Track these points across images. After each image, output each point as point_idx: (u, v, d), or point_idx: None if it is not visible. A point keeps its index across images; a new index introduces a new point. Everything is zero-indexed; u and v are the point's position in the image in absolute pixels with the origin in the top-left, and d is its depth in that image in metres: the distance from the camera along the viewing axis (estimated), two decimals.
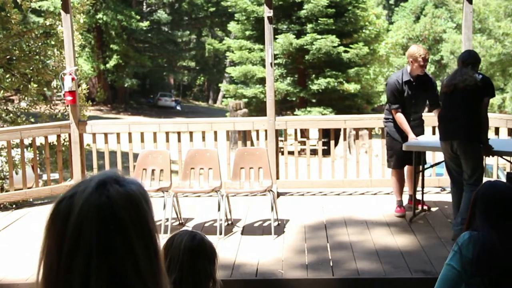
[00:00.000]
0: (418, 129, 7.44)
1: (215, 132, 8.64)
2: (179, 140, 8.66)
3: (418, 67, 7.20)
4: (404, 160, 7.38)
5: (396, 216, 7.39)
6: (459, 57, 6.70)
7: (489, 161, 8.74)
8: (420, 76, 7.28)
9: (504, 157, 7.40)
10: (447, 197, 8.20)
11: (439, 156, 7.97)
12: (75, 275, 1.30)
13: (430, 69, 36.53)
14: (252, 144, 8.94)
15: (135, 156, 7.88)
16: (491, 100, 21.19)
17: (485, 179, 8.07)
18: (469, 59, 6.46)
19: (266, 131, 8.49)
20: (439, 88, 7.17)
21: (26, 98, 11.72)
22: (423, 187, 7.46)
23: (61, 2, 8.42)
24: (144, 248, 1.37)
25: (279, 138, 8.99)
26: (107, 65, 40.01)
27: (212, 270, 2.76)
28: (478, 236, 3.03)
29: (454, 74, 6.43)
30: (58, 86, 10.61)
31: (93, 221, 1.32)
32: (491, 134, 8.31)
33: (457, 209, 6.49)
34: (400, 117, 7.24)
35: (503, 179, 7.64)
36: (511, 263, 2.99)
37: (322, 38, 24.27)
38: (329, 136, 8.82)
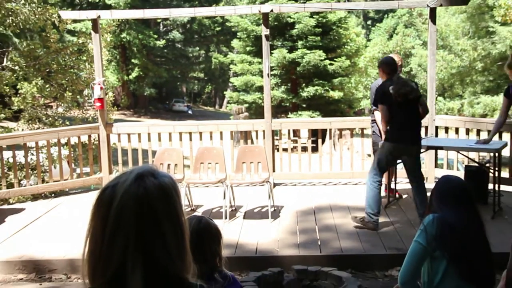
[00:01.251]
0: None
1: (221, 133, 8.63)
2: (190, 139, 8.65)
3: None
4: None
5: None
6: (382, 63, 6.45)
7: (451, 155, 8.75)
8: None
9: (462, 152, 7.40)
10: None
11: None
12: (115, 251, 1.33)
13: None
14: (252, 142, 8.94)
15: (154, 153, 7.88)
16: (452, 105, 21.12)
17: (444, 172, 8.11)
18: (393, 65, 6.38)
19: (264, 131, 8.49)
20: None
21: (62, 104, 11.78)
22: (395, 178, 7.46)
23: (92, 24, 8.42)
24: (173, 231, 1.39)
25: (275, 137, 8.98)
26: (130, 76, 39.99)
27: (217, 249, 2.74)
28: (439, 216, 3.10)
29: (397, 83, 6.18)
30: (89, 94, 10.62)
31: (132, 208, 1.35)
32: (451, 134, 8.32)
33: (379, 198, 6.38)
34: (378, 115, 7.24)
35: (462, 171, 7.64)
36: (466, 238, 3.04)
37: (311, 53, 24.22)
38: (317, 135, 8.82)
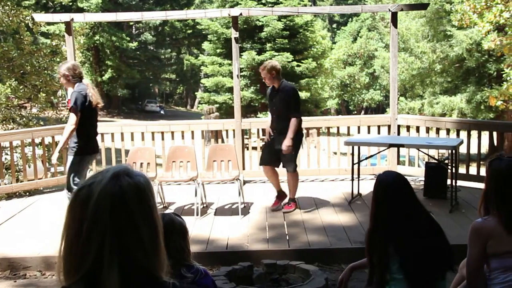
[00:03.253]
0: (282, 136, 6.65)
1: (192, 132, 8.60)
2: (162, 139, 8.60)
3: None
4: (265, 159, 6.94)
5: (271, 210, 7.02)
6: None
7: (412, 153, 8.86)
8: (279, 87, 6.71)
9: (422, 149, 7.50)
10: None
11: (373, 149, 8.05)
12: (91, 249, 1.32)
13: (365, 80, 36.85)
14: (222, 141, 8.91)
15: (127, 152, 7.81)
16: (413, 105, 21.30)
17: (406, 169, 8.20)
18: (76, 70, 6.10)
19: (234, 130, 8.48)
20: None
21: (36, 105, 11.60)
22: (359, 175, 7.52)
23: (65, 27, 8.31)
24: (148, 228, 1.38)
25: (245, 136, 8.98)
26: (103, 78, 39.52)
27: (182, 244, 2.69)
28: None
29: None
30: (63, 95, 10.47)
31: (108, 207, 1.34)
32: (413, 132, 8.43)
33: None
34: (267, 118, 7.22)
35: (423, 167, 7.74)
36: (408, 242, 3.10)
37: (278, 55, 24.31)
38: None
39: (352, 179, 7.35)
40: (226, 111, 25.64)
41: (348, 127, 9.20)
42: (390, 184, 3.21)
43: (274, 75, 6.66)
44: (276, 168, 6.98)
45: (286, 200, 7.05)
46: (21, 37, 11.26)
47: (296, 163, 6.90)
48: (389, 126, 8.42)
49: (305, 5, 27.53)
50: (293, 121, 6.57)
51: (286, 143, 6.56)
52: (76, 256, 1.34)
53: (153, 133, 8.62)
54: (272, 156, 6.84)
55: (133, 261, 1.35)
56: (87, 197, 1.35)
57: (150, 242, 1.38)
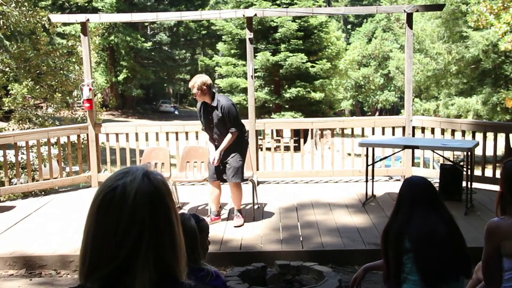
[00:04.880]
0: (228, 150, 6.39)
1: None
2: (177, 139, 8.62)
3: None
4: (213, 174, 6.48)
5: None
6: None
7: (427, 154, 8.81)
8: (213, 103, 6.35)
9: (437, 151, 7.45)
10: (394, 184, 8.27)
11: (388, 151, 8.01)
12: (125, 248, 1.30)
13: (379, 81, 36.69)
14: None
15: (141, 152, 7.85)
16: (427, 106, 21.25)
17: (420, 171, 8.15)
18: None
19: (248, 131, 8.48)
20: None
21: (52, 105, 11.71)
22: (373, 176, 7.49)
23: (81, 27, 8.36)
24: (178, 226, 1.39)
25: (259, 137, 8.98)
26: (118, 78, 39.73)
27: (193, 247, 2.69)
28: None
29: None
30: (78, 95, 10.55)
31: (147, 206, 1.33)
32: (427, 134, 8.39)
33: None
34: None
35: (438, 169, 7.69)
36: (430, 245, 3.09)
37: (293, 55, 24.31)
38: (299, 135, 8.83)
39: (366, 181, 7.32)
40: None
41: (363, 129, 9.16)
42: (417, 183, 3.25)
43: (205, 91, 6.27)
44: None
45: (235, 212, 6.63)
46: (38, 37, 11.36)
47: (242, 174, 6.47)
48: (403, 128, 8.37)
49: (320, 6, 27.49)
50: (228, 136, 6.33)
51: (215, 155, 6.34)
52: (104, 256, 1.31)
53: (167, 133, 8.65)
54: (215, 171, 6.47)
55: (163, 261, 1.34)
56: (122, 197, 1.33)
57: (179, 240, 1.38)
